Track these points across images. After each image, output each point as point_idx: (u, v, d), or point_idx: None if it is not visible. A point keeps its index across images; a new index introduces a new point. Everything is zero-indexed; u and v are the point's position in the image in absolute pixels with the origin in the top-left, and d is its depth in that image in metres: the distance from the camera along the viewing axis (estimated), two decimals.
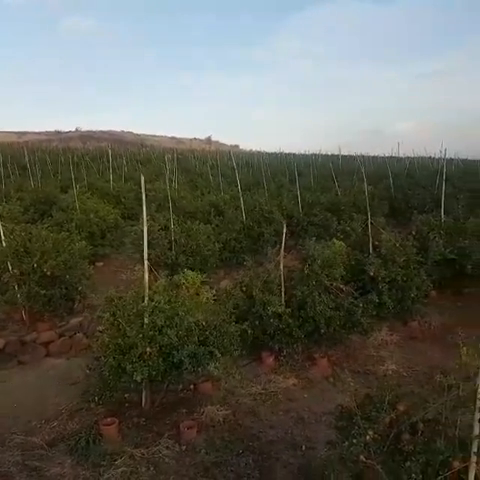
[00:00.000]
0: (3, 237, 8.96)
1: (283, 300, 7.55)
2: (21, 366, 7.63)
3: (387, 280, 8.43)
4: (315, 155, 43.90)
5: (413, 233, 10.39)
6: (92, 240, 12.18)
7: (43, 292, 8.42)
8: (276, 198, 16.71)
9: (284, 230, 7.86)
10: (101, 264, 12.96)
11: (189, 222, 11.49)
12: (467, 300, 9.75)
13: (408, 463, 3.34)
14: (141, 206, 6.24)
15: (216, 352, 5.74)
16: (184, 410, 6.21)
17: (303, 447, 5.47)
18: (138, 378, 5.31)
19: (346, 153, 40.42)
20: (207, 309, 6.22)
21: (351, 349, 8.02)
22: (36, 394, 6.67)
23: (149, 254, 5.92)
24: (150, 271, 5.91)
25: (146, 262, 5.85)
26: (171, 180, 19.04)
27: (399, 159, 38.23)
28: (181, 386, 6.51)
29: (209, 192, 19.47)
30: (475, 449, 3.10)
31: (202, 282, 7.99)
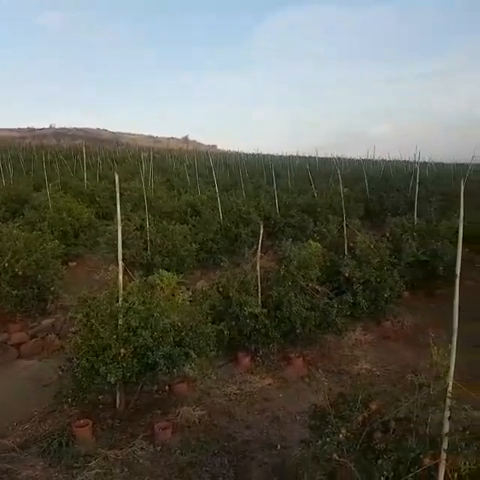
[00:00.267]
0: None
1: (259, 301, 7.57)
2: None
3: (361, 281, 8.56)
4: (293, 157, 44.25)
5: (387, 235, 10.58)
6: (65, 240, 11.98)
7: (15, 292, 8.26)
8: (253, 199, 16.75)
9: (261, 231, 7.89)
10: (74, 264, 12.75)
11: (165, 222, 11.40)
12: (438, 301, 9.96)
13: (380, 461, 3.39)
14: (116, 205, 6.17)
15: (192, 353, 5.72)
16: (159, 411, 6.17)
17: (278, 446, 5.50)
18: (112, 379, 5.25)
19: (323, 155, 40.92)
20: (183, 310, 6.19)
21: (326, 349, 8.11)
22: (7, 396, 6.53)
23: (124, 254, 5.86)
24: (125, 271, 5.85)
25: (120, 262, 5.78)
26: (147, 179, 18.87)
27: (375, 162, 38.86)
28: (156, 387, 6.48)
29: (186, 192, 19.37)
30: (445, 446, 3.17)
31: (178, 283, 7.93)
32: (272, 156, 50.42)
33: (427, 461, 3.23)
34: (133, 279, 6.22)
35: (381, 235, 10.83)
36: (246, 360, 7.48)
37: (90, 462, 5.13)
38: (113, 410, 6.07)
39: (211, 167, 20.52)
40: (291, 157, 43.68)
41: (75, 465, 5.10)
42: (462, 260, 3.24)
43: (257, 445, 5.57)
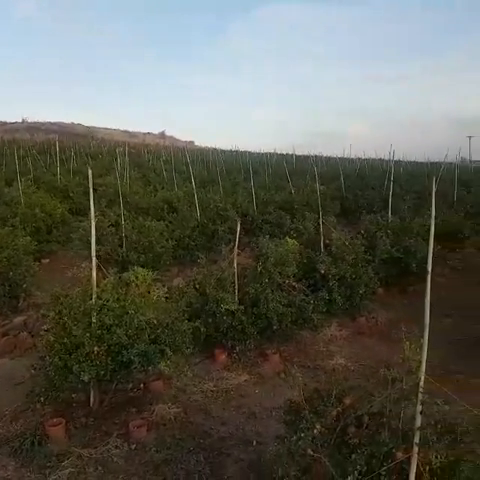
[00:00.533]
0: None
1: (236, 297, 7.58)
2: None
3: (337, 277, 8.66)
4: (270, 154, 44.38)
5: (362, 232, 10.71)
6: (38, 236, 11.77)
7: None
8: (231, 196, 16.75)
9: (238, 228, 7.89)
10: (47, 261, 12.51)
11: (141, 218, 11.31)
12: (411, 297, 10.14)
13: (354, 455, 3.42)
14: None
15: (167, 350, 5.68)
16: (134, 409, 6.11)
17: (254, 442, 5.51)
18: (85, 378, 5.18)
19: (300, 153, 41.21)
20: (159, 307, 6.14)
21: (302, 345, 8.17)
22: None
23: (98, 251, 5.79)
24: (98, 268, 5.76)
25: (94, 259, 5.70)
26: (122, 175, 18.65)
27: (351, 160, 39.35)
28: (131, 385, 6.41)
29: (163, 188, 19.24)
30: (417, 440, 3.22)
31: (154, 280, 7.88)
32: (250, 153, 50.48)
33: (400, 455, 3.28)
34: (107, 276, 6.14)
35: (356, 232, 10.96)
36: (223, 357, 7.48)
37: (63, 461, 5.05)
38: (87, 408, 5.98)
39: (188, 163, 20.40)
40: (269, 154, 43.84)
41: (48, 465, 5.02)
42: (434, 257, 3.30)
43: (233, 441, 5.57)
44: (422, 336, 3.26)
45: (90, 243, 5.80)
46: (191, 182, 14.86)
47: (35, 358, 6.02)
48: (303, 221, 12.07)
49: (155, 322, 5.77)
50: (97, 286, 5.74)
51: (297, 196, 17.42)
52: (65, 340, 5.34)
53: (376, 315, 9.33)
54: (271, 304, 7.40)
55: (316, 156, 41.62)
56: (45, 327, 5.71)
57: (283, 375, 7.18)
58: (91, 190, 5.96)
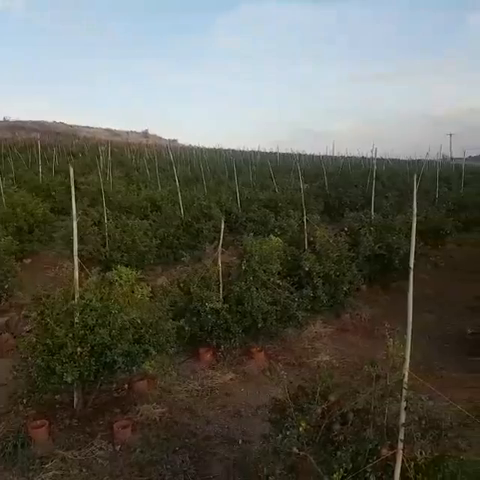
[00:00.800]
0: None
1: (221, 296, 7.56)
2: None
3: (321, 275, 8.69)
4: (254, 152, 44.37)
5: (345, 229, 10.75)
6: (19, 235, 11.60)
7: None
8: (215, 194, 16.71)
9: (222, 226, 7.87)
10: (29, 261, 12.33)
11: (124, 217, 11.20)
12: (394, 293, 10.23)
13: (339, 453, 3.44)
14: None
15: (151, 350, 5.64)
16: (118, 410, 6.06)
17: (240, 441, 5.50)
18: (68, 379, 5.11)
19: (284, 151, 41.30)
20: (142, 306, 6.08)
21: (287, 342, 8.19)
22: None
23: (81, 250, 5.71)
24: (81, 268, 5.69)
25: (76, 258, 5.63)
26: (105, 173, 18.46)
27: (334, 158, 39.56)
28: (115, 385, 6.37)
29: (146, 187, 19.10)
30: (402, 436, 3.24)
31: (138, 279, 7.80)
32: (233, 151, 50.42)
33: (384, 452, 3.29)
34: (90, 276, 6.07)
35: (340, 230, 11.01)
36: (208, 356, 7.45)
37: (47, 464, 5.00)
38: (71, 410, 5.92)
39: (172, 162, 20.28)
40: (253, 152, 43.83)
41: (31, 467, 4.96)
42: (417, 254, 3.33)
43: (218, 440, 5.56)
44: (405, 332, 3.28)
45: (72, 242, 5.72)
46: (175, 181, 14.78)
47: (17, 359, 5.90)
48: (287, 219, 12.08)
49: (139, 322, 5.72)
50: (80, 286, 5.67)
51: (281, 194, 17.46)
52: (47, 341, 5.26)
53: (360, 312, 9.40)
54: (256, 302, 7.40)
55: (299, 154, 41.80)
56: (27, 328, 5.63)
57: (268, 373, 7.18)
58: (73, 188, 5.89)
